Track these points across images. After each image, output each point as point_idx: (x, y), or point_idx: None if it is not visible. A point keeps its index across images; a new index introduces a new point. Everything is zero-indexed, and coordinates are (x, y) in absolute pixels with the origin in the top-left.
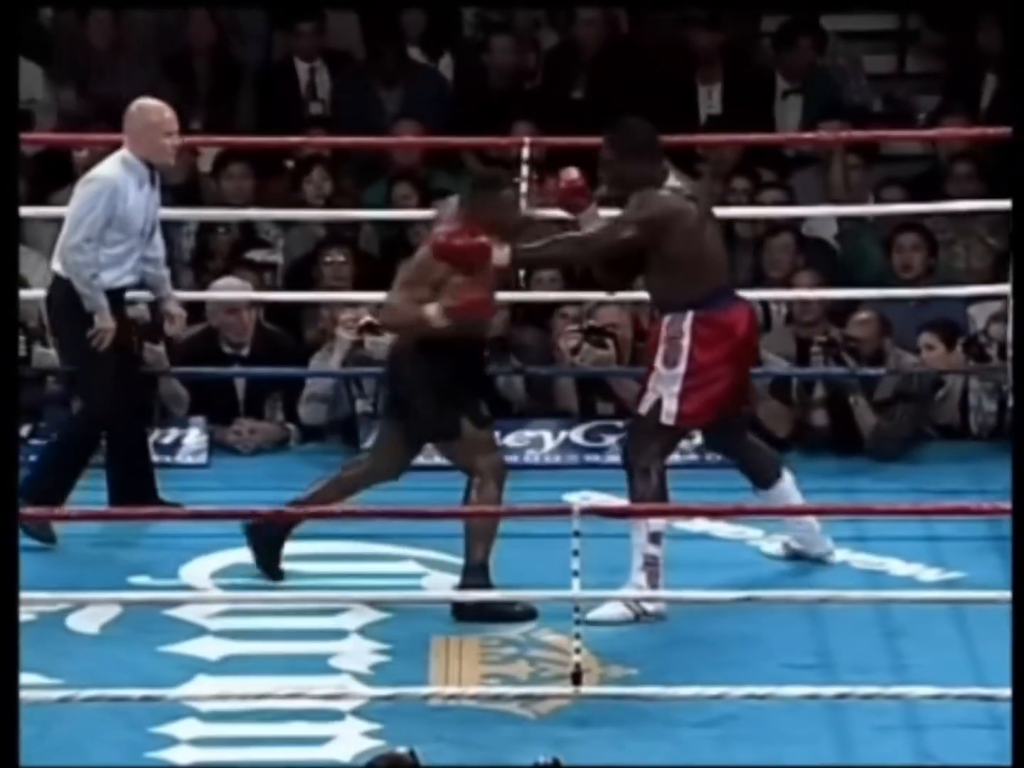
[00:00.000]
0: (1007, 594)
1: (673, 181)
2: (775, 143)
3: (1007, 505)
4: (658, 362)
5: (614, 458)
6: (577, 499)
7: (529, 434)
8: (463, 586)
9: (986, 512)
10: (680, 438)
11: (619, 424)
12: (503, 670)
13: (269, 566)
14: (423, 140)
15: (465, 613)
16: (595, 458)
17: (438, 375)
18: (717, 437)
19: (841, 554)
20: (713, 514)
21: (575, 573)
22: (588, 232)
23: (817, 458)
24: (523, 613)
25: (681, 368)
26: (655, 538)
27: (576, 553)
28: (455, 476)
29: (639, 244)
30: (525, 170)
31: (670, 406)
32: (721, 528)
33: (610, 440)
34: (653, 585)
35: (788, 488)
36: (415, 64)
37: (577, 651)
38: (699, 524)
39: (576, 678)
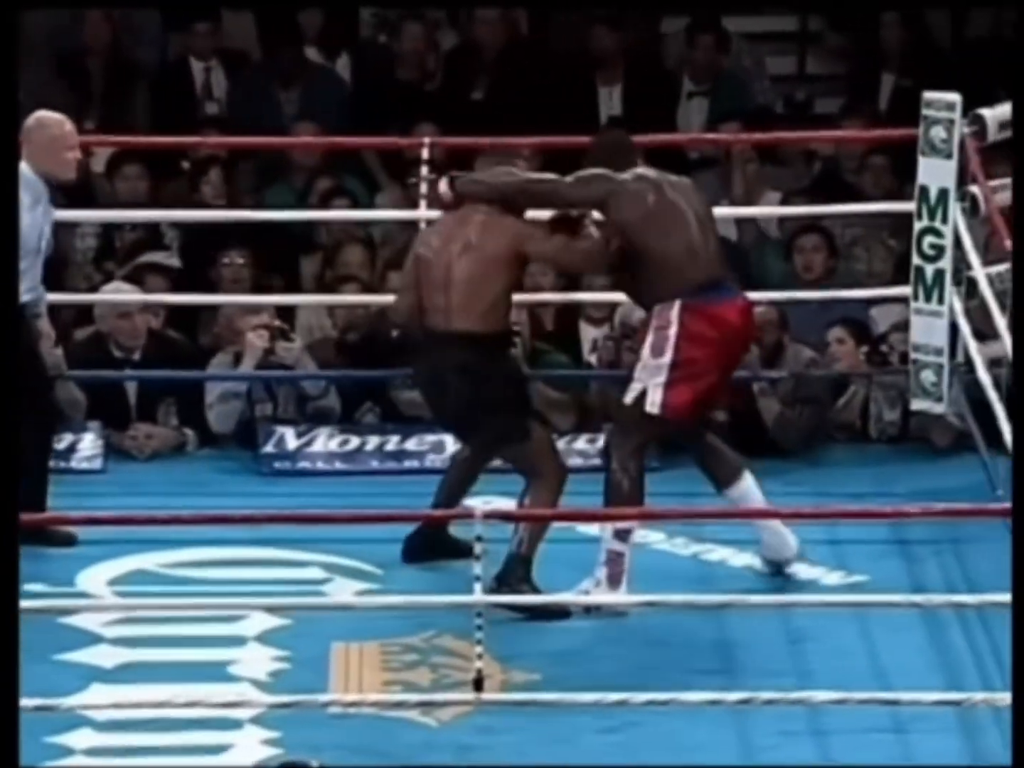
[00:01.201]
0: (910, 597)
1: (642, 170)
2: (675, 144)
3: (910, 508)
4: (645, 351)
5: None
6: (479, 503)
7: (430, 438)
8: (503, 576)
9: (888, 516)
10: (662, 432)
11: None
12: (404, 677)
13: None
14: (322, 140)
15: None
16: (497, 461)
17: (507, 378)
18: (681, 433)
19: (744, 558)
20: (612, 518)
21: (477, 578)
22: (537, 181)
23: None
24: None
25: (667, 358)
26: (621, 534)
27: (479, 558)
28: (362, 481)
29: (580, 199)
30: (425, 170)
31: (655, 396)
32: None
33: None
34: (614, 581)
35: (747, 488)
36: (312, 64)
37: (479, 657)
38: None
39: (478, 684)
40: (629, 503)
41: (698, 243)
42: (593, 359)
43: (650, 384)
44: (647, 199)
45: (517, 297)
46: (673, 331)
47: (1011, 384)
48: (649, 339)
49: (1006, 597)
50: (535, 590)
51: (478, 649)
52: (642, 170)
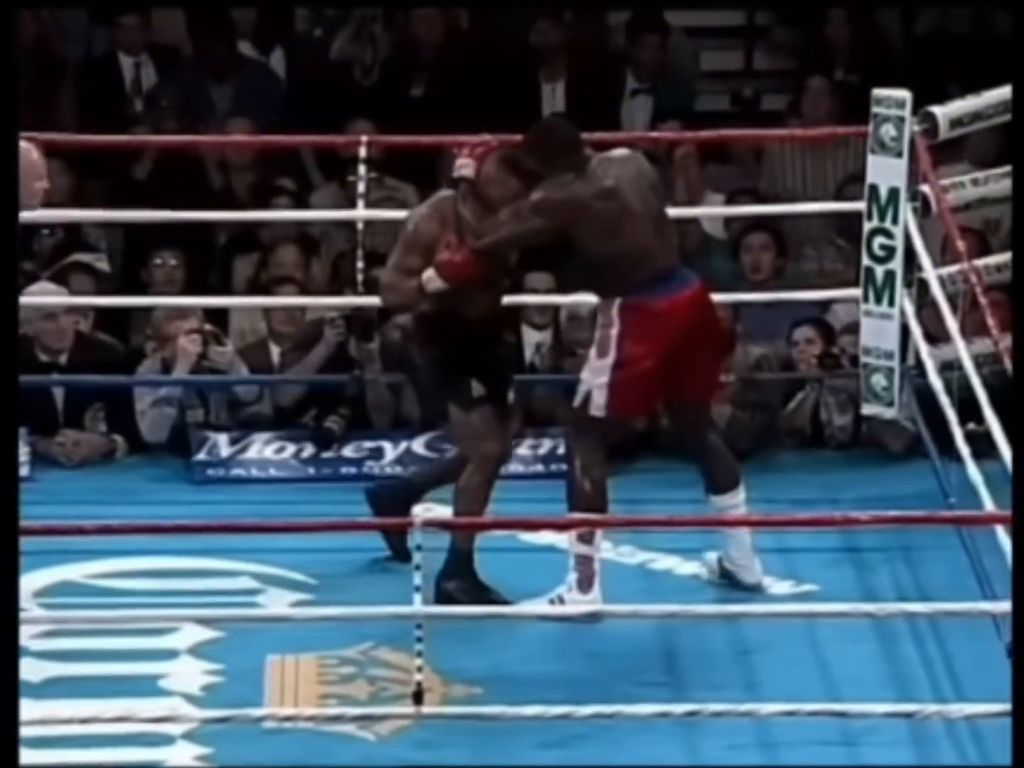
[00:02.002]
0: (861, 607)
1: (593, 168)
2: (618, 142)
3: (860, 516)
4: (592, 352)
5: None
6: (419, 511)
7: (368, 444)
8: (445, 571)
9: (838, 523)
10: (619, 432)
11: None
12: (342, 690)
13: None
14: (257, 139)
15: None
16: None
17: (425, 358)
18: (676, 432)
19: (691, 567)
20: (560, 527)
21: (417, 588)
22: (491, 225)
23: (667, 467)
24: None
25: (610, 358)
26: (584, 537)
27: (418, 567)
28: (298, 488)
29: (549, 229)
30: (362, 169)
31: (599, 398)
32: (567, 540)
33: (453, 450)
34: (585, 585)
35: (732, 503)
36: (245, 59)
37: (419, 669)
38: (546, 536)
39: (418, 697)
40: (592, 507)
41: (650, 240)
42: (537, 361)
43: (594, 385)
44: (605, 214)
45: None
46: (615, 331)
47: (964, 387)
48: (595, 338)
49: (958, 606)
50: (477, 584)
51: (418, 661)
52: (596, 164)
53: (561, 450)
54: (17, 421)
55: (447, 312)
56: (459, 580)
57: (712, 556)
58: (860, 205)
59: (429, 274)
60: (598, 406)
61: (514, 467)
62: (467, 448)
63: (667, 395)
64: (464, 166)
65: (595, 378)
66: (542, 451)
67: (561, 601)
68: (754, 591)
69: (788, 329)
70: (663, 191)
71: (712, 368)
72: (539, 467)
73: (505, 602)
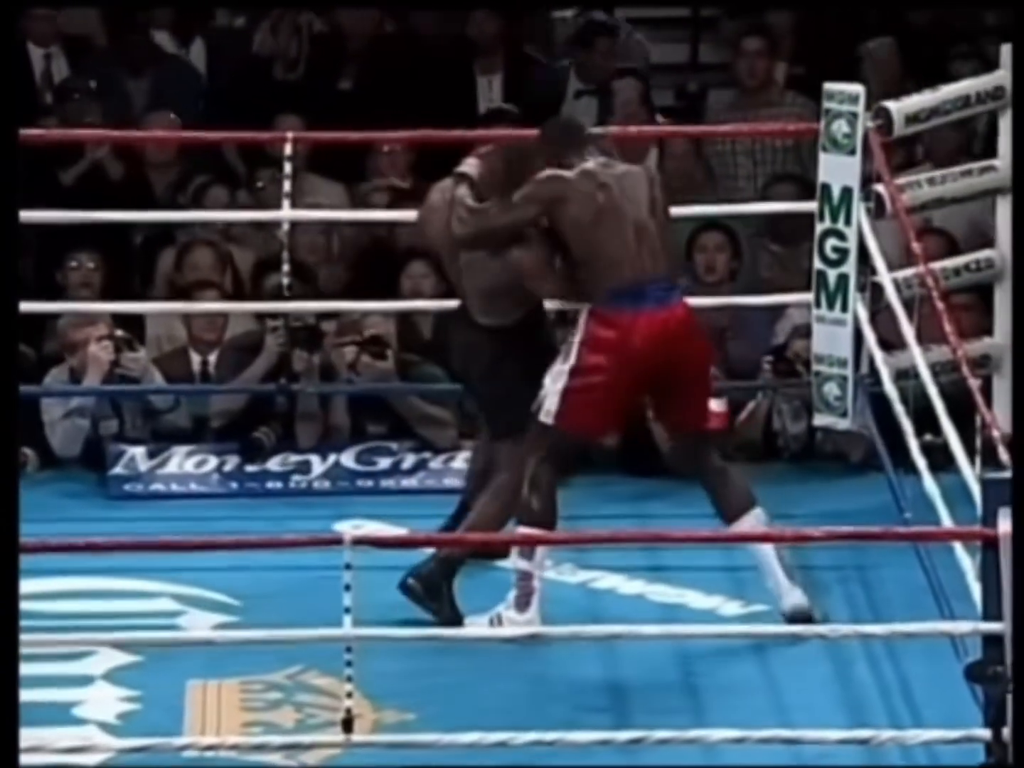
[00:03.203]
0: (813, 628)
1: (590, 164)
2: None
3: (812, 531)
4: (560, 356)
5: (388, 483)
6: (348, 528)
7: (295, 458)
8: (417, 568)
9: (790, 540)
10: (571, 446)
11: (394, 446)
12: (267, 717)
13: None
14: (177, 135)
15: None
16: (368, 483)
17: (510, 363)
18: (676, 459)
19: (635, 586)
20: (493, 543)
21: (347, 610)
22: (479, 210)
23: (608, 481)
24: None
25: (568, 364)
26: (525, 553)
27: (348, 588)
28: (221, 504)
29: (533, 219)
30: (288, 167)
31: (550, 404)
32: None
33: (384, 463)
34: (524, 603)
35: (751, 526)
36: (163, 51)
37: (349, 695)
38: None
39: (347, 725)
40: (539, 522)
41: (628, 247)
42: None
43: (550, 391)
44: (592, 202)
45: (389, 304)
46: (578, 337)
47: (920, 397)
48: (565, 343)
49: (915, 627)
50: (446, 599)
51: (347, 687)
52: (591, 165)
53: None
54: (17, 419)
55: (530, 325)
56: (429, 582)
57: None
58: (792, 206)
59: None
60: (547, 412)
61: (449, 481)
62: (516, 470)
63: (662, 423)
64: (469, 164)
65: (552, 383)
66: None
67: (499, 620)
68: (799, 618)
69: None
70: (663, 213)
71: (700, 393)
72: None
73: (460, 623)
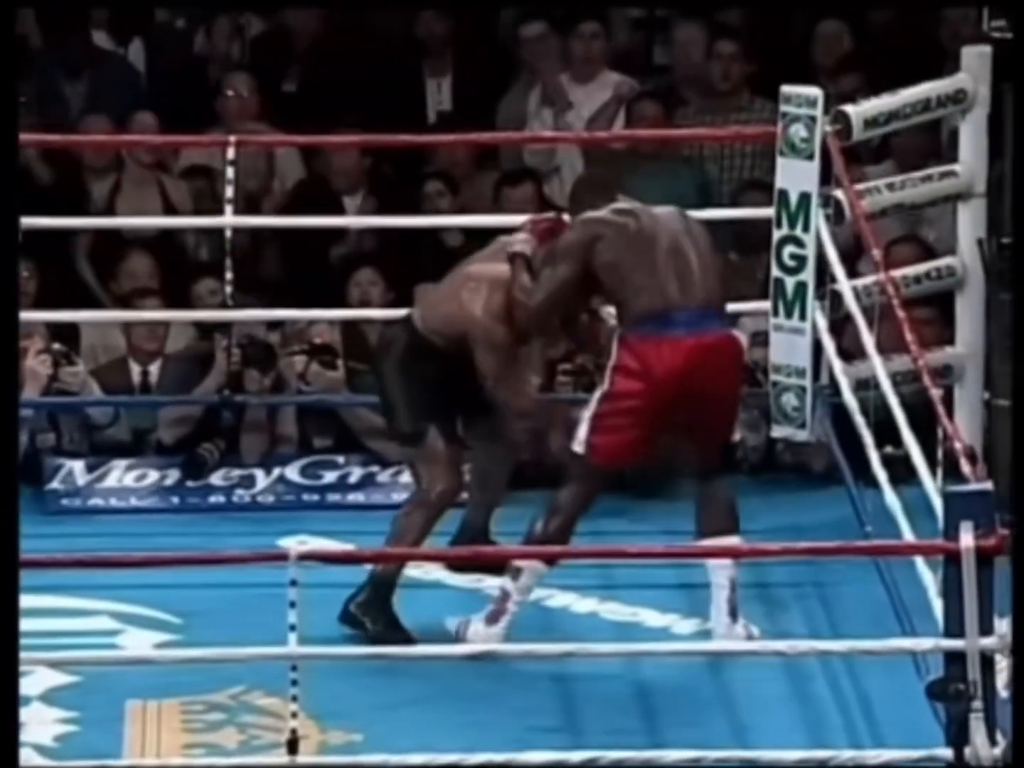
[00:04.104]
0: (770, 645)
1: (620, 204)
2: (510, 142)
3: (769, 547)
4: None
5: (334, 497)
6: (294, 544)
7: (238, 472)
8: (358, 595)
9: (746, 555)
10: (601, 479)
11: (340, 460)
12: (209, 738)
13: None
14: (116, 139)
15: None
16: (313, 498)
17: (418, 379)
18: (694, 474)
19: (589, 604)
20: (442, 559)
21: (292, 628)
22: (530, 290)
23: (533, 497)
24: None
25: (600, 391)
26: (513, 572)
27: (293, 605)
28: (162, 519)
29: (578, 268)
30: (230, 172)
31: (581, 431)
32: (454, 577)
33: (330, 477)
34: (493, 618)
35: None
36: (101, 51)
37: (294, 715)
38: (434, 572)
39: (292, 746)
40: (551, 542)
41: (658, 274)
42: None
43: (583, 418)
44: (623, 232)
45: (335, 313)
46: (610, 363)
47: (881, 407)
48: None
49: (875, 644)
50: (388, 620)
51: (292, 706)
52: (621, 204)
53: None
54: (17, 419)
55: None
56: (368, 606)
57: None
58: (756, 212)
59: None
60: (579, 441)
61: (400, 496)
62: (429, 479)
63: (688, 446)
64: (521, 242)
65: (587, 411)
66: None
67: (466, 626)
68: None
69: None
70: (704, 243)
71: (728, 417)
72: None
73: (410, 642)
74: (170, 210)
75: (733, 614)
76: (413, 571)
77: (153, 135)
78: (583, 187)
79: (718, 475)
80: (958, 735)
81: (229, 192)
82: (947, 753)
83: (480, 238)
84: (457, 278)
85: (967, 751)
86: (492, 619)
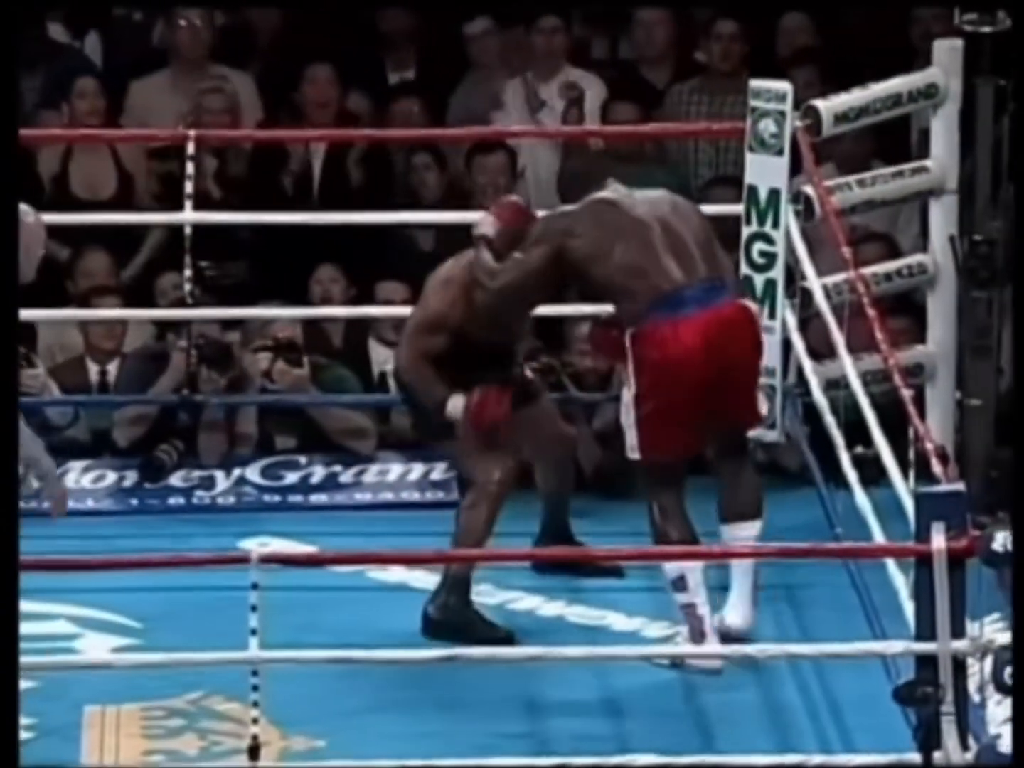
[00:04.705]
0: (740, 648)
1: (602, 192)
2: (466, 138)
3: (738, 548)
4: (624, 387)
5: (296, 498)
6: (255, 546)
7: (198, 473)
8: (435, 599)
9: (715, 556)
10: (673, 469)
11: (302, 460)
12: (169, 745)
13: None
14: (72, 133)
15: (434, 627)
16: (275, 499)
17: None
18: (715, 447)
19: (555, 607)
20: (408, 561)
21: (253, 631)
22: (495, 271)
23: (529, 498)
24: (503, 636)
25: (630, 395)
26: (678, 584)
27: (254, 608)
28: (120, 521)
29: (552, 258)
30: (190, 167)
31: (632, 439)
32: (421, 578)
33: (291, 478)
34: (699, 635)
35: (750, 536)
36: (57, 44)
37: (255, 721)
38: (396, 574)
39: (253, 752)
40: (679, 540)
41: (657, 259)
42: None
43: (627, 425)
44: (603, 227)
45: (296, 311)
46: (630, 366)
47: (851, 407)
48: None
49: (845, 647)
50: (470, 617)
51: (254, 712)
52: (603, 193)
53: (436, 476)
54: (17, 421)
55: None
56: (446, 605)
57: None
58: (727, 208)
59: (455, 404)
60: (632, 448)
61: (361, 496)
62: (483, 471)
63: (717, 424)
64: (485, 223)
65: (626, 418)
66: (411, 477)
67: (683, 663)
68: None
69: None
70: (696, 217)
71: (751, 390)
72: (404, 494)
73: (508, 637)
74: (124, 177)
75: (753, 597)
76: (377, 573)
77: (94, 100)
78: (575, 176)
79: (743, 454)
80: (927, 739)
81: (188, 188)
82: (916, 758)
83: (449, 239)
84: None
85: (936, 755)
86: (698, 637)
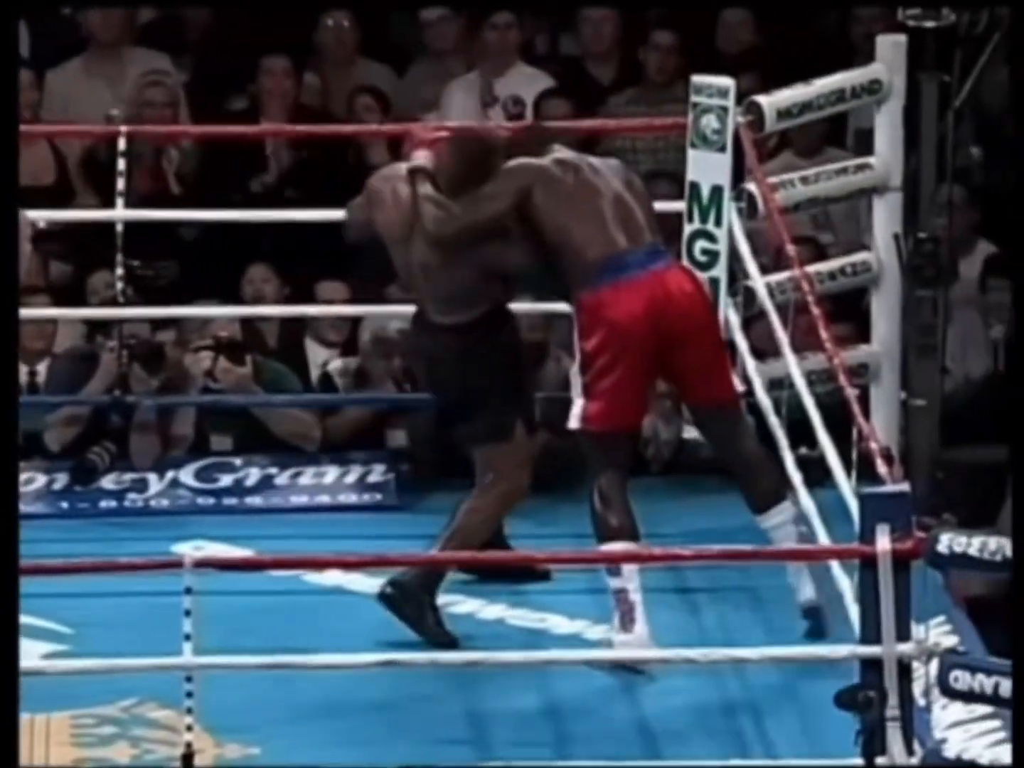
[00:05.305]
0: (683, 652)
1: (561, 153)
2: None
3: (683, 551)
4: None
5: (231, 501)
6: (189, 550)
7: (130, 475)
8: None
9: (659, 559)
10: (623, 446)
11: (237, 462)
12: (100, 753)
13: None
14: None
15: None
16: (209, 501)
17: (478, 362)
18: (708, 438)
19: (496, 611)
20: (345, 565)
21: (187, 637)
22: (451, 207)
23: (468, 497)
24: (446, 641)
25: (576, 364)
26: (612, 568)
27: (188, 613)
28: (50, 525)
29: (506, 212)
30: (122, 164)
31: (576, 409)
32: (357, 581)
33: (226, 480)
34: (629, 620)
35: (777, 523)
36: None
37: (189, 728)
38: (333, 577)
39: (187, 760)
40: (620, 535)
41: (605, 224)
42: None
43: (574, 396)
44: (562, 185)
45: (230, 309)
46: (576, 334)
47: (795, 407)
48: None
49: (791, 651)
50: (425, 610)
51: (188, 719)
52: (562, 154)
53: (374, 478)
54: (17, 425)
55: (494, 321)
56: (406, 590)
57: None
58: (666, 205)
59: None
60: (575, 417)
61: (297, 499)
62: (509, 474)
63: (683, 401)
64: (420, 156)
65: (575, 391)
66: (348, 479)
67: (610, 645)
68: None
69: None
70: (643, 191)
71: (714, 359)
72: (341, 497)
73: (449, 642)
74: (62, 169)
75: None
76: (313, 577)
77: (27, 92)
78: (534, 132)
79: (738, 440)
80: (869, 744)
81: (120, 184)
82: (859, 762)
83: None
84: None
85: (879, 760)
86: (628, 623)
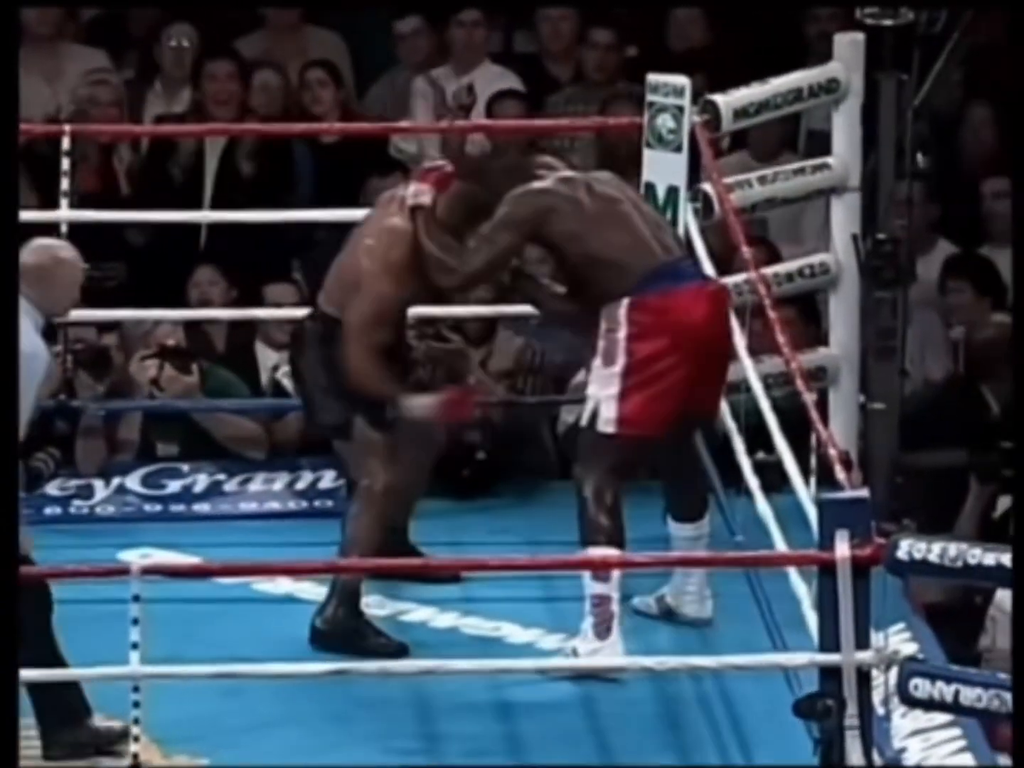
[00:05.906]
0: (639, 661)
1: (563, 172)
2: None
3: (636, 557)
4: (596, 361)
5: (178, 508)
6: (136, 557)
7: (75, 481)
8: (324, 611)
9: (614, 566)
10: (634, 453)
11: (184, 468)
12: (45, 765)
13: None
14: None
15: (323, 639)
16: (156, 508)
17: (337, 367)
18: (670, 442)
19: (449, 619)
20: (295, 572)
21: (134, 646)
22: (459, 258)
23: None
24: (395, 648)
25: (618, 365)
26: (600, 575)
27: (136, 622)
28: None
29: (523, 242)
30: (66, 163)
31: (607, 411)
32: (308, 589)
33: (173, 487)
34: (604, 630)
35: (702, 535)
36: None
37: (136, 739)
38: (283, 585)
39: None
40: (611, 541)
41: (642, 230)
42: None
43: (602, 398)
44: (582, 204)
45: (177, 313)
46: (623, 333)
47: (752, 412)
48: (600, 346)
49: (745, 659)
50: (361, 629)
51: (134, 729)
52: (565, 172)
53: (325, 484)
54: (17, 428)
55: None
56: (335, 617)
57: (649, 598)
58: None
59: (418, 403)
60: (607, 421)
61: (246, 505)
62: (369, 474)
63: (692, 411)
64: (420, 193)
65: (602, 390)
66: (298, 486)
67: (575, 653)
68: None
69: None
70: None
71: (725, 378)
72: (291, 504)
73: (401, 649)
74: None
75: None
76: (263, 585)
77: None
78: (501, 175)
79: (694, 450)
80: (827, 753)
81: (65, 185)
82: None
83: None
84: (353, 242)
85: None
86: (603, 631)
